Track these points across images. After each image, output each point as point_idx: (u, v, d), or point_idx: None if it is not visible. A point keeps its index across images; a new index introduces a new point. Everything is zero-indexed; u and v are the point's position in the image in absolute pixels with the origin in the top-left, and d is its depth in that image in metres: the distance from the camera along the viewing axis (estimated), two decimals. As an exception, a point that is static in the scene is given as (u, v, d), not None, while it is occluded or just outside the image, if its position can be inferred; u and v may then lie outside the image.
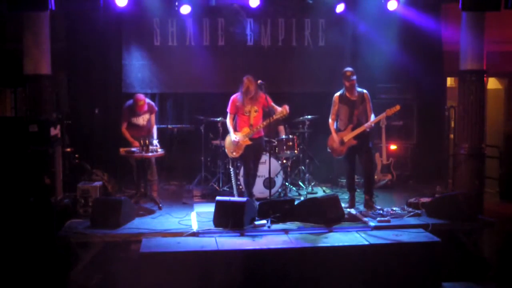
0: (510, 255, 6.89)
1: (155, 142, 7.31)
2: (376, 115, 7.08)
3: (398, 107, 7.03)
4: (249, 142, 7.16)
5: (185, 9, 8.08)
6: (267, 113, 7.17)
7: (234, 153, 7.18)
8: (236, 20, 8.88)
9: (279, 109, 7.01)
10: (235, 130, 7.15)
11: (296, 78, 9.04)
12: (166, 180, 8.63)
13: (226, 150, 7.30)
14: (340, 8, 8.34)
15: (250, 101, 7.09)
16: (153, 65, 8.85)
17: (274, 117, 7.03)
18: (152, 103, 7.66)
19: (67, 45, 8.61)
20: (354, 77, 6.97)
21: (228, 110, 7.19)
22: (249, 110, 7.14)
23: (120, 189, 7.96)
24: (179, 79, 8.92)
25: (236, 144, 7.11)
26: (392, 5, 8.10)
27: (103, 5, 7.16)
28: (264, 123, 7.18)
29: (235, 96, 7.16)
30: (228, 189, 7.78)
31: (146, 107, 7.34)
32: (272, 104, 7.10)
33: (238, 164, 7.56)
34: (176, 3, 8.00)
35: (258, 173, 7.59)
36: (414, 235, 6.03)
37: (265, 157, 7.54)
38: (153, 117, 7.56)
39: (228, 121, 7.18)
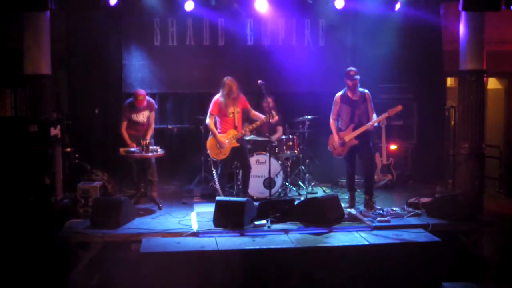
0: (510, 255, 6.89)
1: (148, 140, 7.26)
2: (377, 116, 7.09)
3: (400, 108, 7.04)
4: (237, 145, 7.21)
5: (189, 6, 8.03)
6: (246, 113, 7.33)
7: (220, 155, 7.19)
8: (236, 20, 8.87)
9: (257, 114, 7.27)
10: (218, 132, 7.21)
11: (296, 78, 9.02)
12: (166, 180, 8.63)
13: (209, 152, 7.30)
14: (339, 4, 8.26)
15: (232, 102, 7.14)
16: (153, 65, 8.84)
17: (258, 123, 7.26)
18: (152, 100, 7.67)
19: (67, 45, 8.61)
20: (357, 77, 6.97)
21: (210, 111, 7.20)
22: (232, 111, 7.20)
23: (120, 189, 7.95)
24: (179, 79, 8.91)
25: (224, 146, 7.13)
26: (397, 7, 8.09)
27: (103, 5, 7.17)
28: (253, 126, 7.25)
29: (218, 98, 7.19)
30: (227, 189, 7.77)
31: (145, 103, 7.37)
32: (249, 106, 7.32)
33: (238, 165, 7.55)
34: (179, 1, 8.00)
35: (258, 173, 7.61)
36: (414, 235, 6.04)
37: (265, 157, 7.55)
38: (152, 114, 7.57)
39: (211, 123, 7.19)
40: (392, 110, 7.02)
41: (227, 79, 7.15)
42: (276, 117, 7.27)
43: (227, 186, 7.82)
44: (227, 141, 7.18)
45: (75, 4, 7.31)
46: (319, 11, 8.77)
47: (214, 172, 7.55)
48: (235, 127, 7.25)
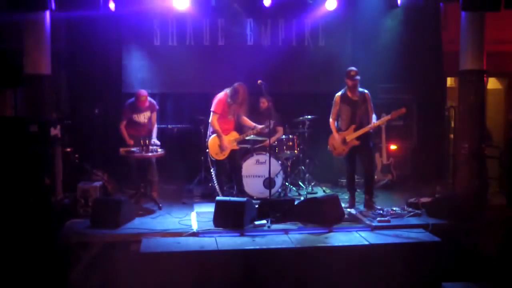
0: (510, 255, 6.88)
1: (153, 140, 7.29)
2: (376, 116, 7.09)
3: (403, 110, 7.01)
4: (237, 147, 7.21)
5: (182, 4, 8.01)
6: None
7: (220, 156, 7.18)
8: (236, 20, 8.87)
9: (248, 121, 7.41)
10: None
11: (296, 78, 9.04)
12: (166, 180, 8.62)
13: (208, 151, 7.28)
14: (331, 5, 8.30)
15: (237, 106, 7.18)
16: (153, 65, 8.84)
17: (259, 129, 7.31)
18: (154, 101, 7.68)
19: (67, 45, 8.59)
20: (358, 77, 6.97)
21: (215, 110, 7.18)
22: (233, 113, 7.19)
23: (120, 189, 7.95)
24: (179, 79, 8.91)
25: (225, 148, 7.13)
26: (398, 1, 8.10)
27: (103, 5, 7.18)
28: (254, 131, 7.28)
29: (224, 98, 7.18)
30: (227, 189, 7.77)
31: (147, 103, 7.38)
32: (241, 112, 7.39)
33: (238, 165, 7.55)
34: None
35: (258, 173, 7.60)
36: (414, 235, 6.04)
37: (265, 157, 7.54)
38: (154, 115, 7.58)
39: (216, 122, 7.18)
40: (395, 113, 7.01)
41: (240, 86, 7.10)
42: (269, 134, 7.33)
43: (227, 186, 7.83)
44: (229, 144, 7.18)
45: (75, 4, 7.30)
46: (319, 11, 8.77)
47: (212, 170, 7.54)
48: (236, 130, 7.26)
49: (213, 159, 7.32)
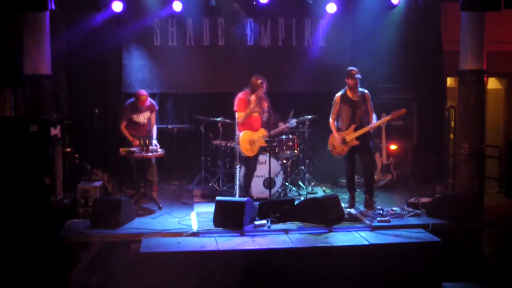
0: (510, 255, 6.89)
1: (155, 142, 7.31)
2: (376, 116, 7.09)
3: (404, 111, 7.00)
4: (265, 145, 7.18)
5: (177, 6, 8.02)
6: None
7: (250, 152, 7.11)
8: (236, 20, 8.87)
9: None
10: (245, 129, 7.13)
11: (296, 78, 9.02)
12: (166, 180, 8.63)
13: (239, 147, 7.16)
14: (331, 8, 8.35)
15: (259, 101, 7.11)
16: (153, 65, 8.84)
17: (285, 127, 7.43)
18: (153, 101, 7.68)
19: (67, 45, 8.60)
20: (359, 76, 6.96)
21: (237, 109, 7.08)
22: (258, 110, 7.16)
23: (120, 189, 7.96)
24: (179, 79, 8.91)
25: (254, 144, 7.10)
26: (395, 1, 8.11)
27: (103, 5, 7.19)
28: (281, 129, 7.31)
29: (243, 96, 7.10)
30: (227, 189, 7.77)
31: (148, 103, 7.38)
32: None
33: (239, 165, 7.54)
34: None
35: (258, 173, 7.60)
36: (414, 235, 6.04)
37: (265, 157, 7.54)
38: (153, 116, 7.58)
39: (242, 118, 7.08)
40: (395, 113, 7.01)
41: (255, 78, 7.02)
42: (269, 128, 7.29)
43: (227, 186, 7.83)
44: (259, 139, 7.15)
45: (75, 4, 7.31)
46: (319, 11, 8.78)
47: (237, 167, 7.41)
48: (263, 127, 7.22)
49: (243, 156, 7.22)
